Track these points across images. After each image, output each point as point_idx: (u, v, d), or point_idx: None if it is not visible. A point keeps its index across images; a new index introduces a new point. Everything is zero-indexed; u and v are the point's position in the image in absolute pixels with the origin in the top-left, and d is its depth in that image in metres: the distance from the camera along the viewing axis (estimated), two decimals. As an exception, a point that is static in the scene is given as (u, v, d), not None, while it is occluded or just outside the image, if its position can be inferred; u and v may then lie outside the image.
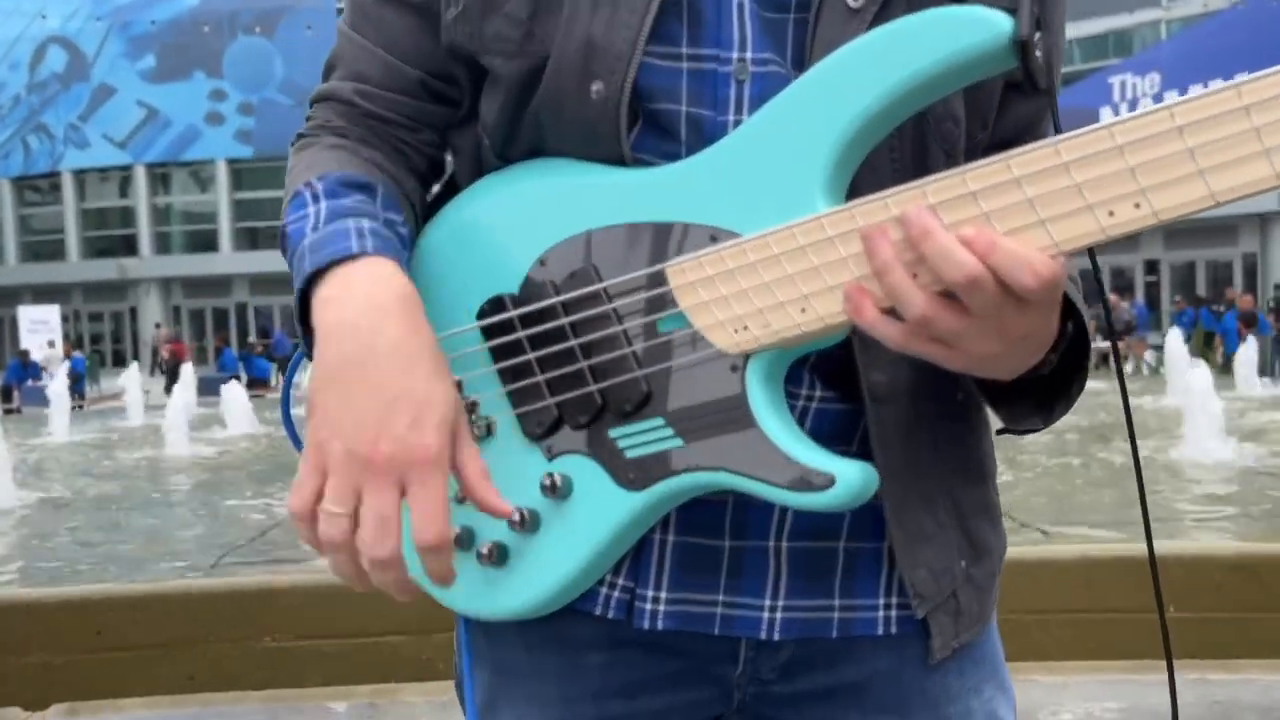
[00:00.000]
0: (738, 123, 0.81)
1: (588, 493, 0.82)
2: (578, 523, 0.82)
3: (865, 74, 0.71)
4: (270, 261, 43.04)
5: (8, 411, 17.17)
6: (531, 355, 0.83)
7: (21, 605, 3.74)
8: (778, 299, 0.73)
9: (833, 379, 0.85)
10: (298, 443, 0.82)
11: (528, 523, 0.83)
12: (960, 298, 0.68)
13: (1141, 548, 0.84)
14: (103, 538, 4.99)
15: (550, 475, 0.82)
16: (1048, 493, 5.26)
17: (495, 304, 0.83)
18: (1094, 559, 3.58)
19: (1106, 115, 0.69)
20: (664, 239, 0.79)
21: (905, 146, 0.82)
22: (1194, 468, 5.87)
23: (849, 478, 0.73)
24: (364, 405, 0.71)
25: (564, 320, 0.81)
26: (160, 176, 42.83)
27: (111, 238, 43.25)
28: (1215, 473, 5.73)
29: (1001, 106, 0.87)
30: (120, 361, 32.58)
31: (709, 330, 0.77)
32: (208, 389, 15.56)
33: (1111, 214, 0.64)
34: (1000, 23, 0.67)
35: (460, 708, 0.99)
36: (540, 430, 0.83)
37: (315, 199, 0.82)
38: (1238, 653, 3.32)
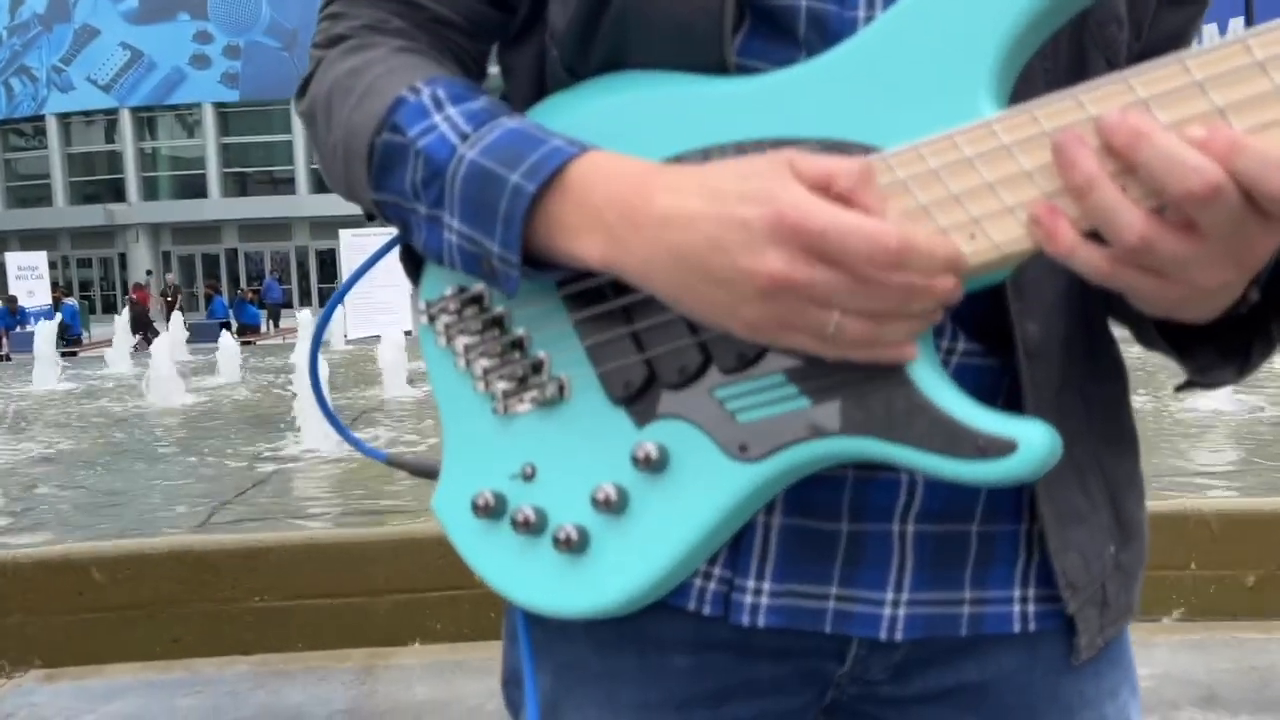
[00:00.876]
0: (869, 20, 0.68)
1: (689, 465, 0.69)
2: (677, 501, 0.70)
3: None
4: (259, 207, 43.13)
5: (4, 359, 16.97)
6: (616, 302, 0.70)
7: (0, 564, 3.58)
8: (938, 223, 0.60)
9: (981, 329, 0.73)
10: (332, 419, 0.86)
11: (614, 502, 0.70)
12: (1190, 214, 0.55)
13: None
14: (84, 493, 4.83)
15: (642, 445, 0.69)
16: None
17: None
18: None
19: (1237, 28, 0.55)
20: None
21: (1060, 53, 0.71)
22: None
23: (1033, 442, 0.61)
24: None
25: None
26: (146, 120, 42.45)
27: (98, 183, 42.93)
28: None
29: (1155, 20, 0.78)
30: (110, 308, 32.48)
31: None
32: (200, 336, 15.43)
33: None
34: None
35: (507, 708, 0.88)
36: (629, 392, 0.70)
37: (438, 105, 0.69)
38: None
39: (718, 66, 0.68)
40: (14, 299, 22.13)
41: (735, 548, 0.75)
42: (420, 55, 0.76)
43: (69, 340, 18.61)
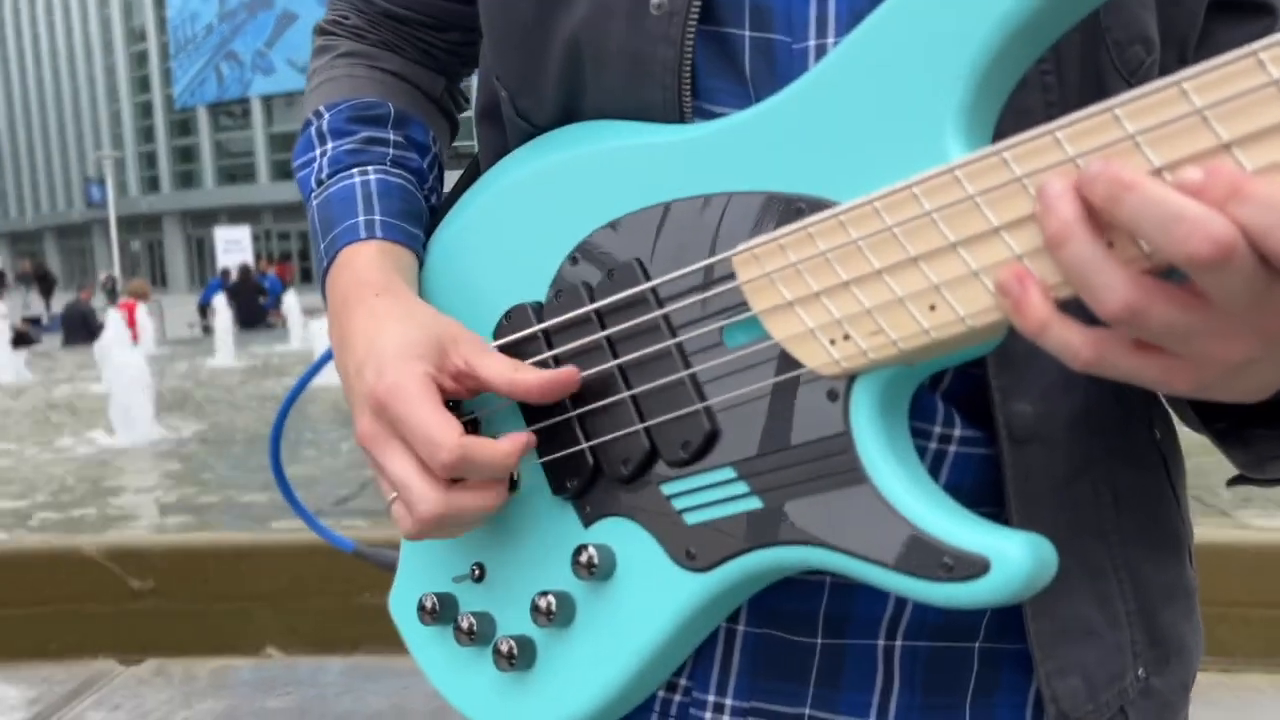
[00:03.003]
0: (821, 50, 0.63)
1: (635, 572, 0.64)
2: (621, 614, 0.65)
3: None
4: (448, 181, 45.01)
5: (205, 329, 18.19)
6: None
7: (137, 552, 3.75)
8: (894, 293, 0.54)
9: (977, 411, 0.65)
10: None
11: (557, 612, 0.65)
12: (1192, 277, 0.46)
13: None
14: (226, 480, 5.05)
15: (586, 549, 0.64)
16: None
17: (515, 316, 0.67)
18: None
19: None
20: (730, 217, 0.60)
21: (1069, 77, 0.62)
22: None
23: (1011, 560, 0.53)
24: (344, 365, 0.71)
25: (600, 334, 0.64)
26: (341, 100, 44.85)
27: (297, 160, 45.63)
28: None
29: (1204, 35, 0.68)
30: (308, 278, 34.53)
31: (794, 342, 0.58)
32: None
33: None
34: None
35: None
36: (573, 486, 0.66)
37: (321, 138, 0.78)
38: None
39: (673, 108, 0.65)
40: (227, 271, 23.33)
41: (696, 654, 0.69)
42: (352, 63, 0.82)
43: (267, 311, 19.72)
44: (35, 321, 22.35)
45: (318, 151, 0.77)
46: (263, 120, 46.53)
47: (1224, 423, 0.65)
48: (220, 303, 12.21)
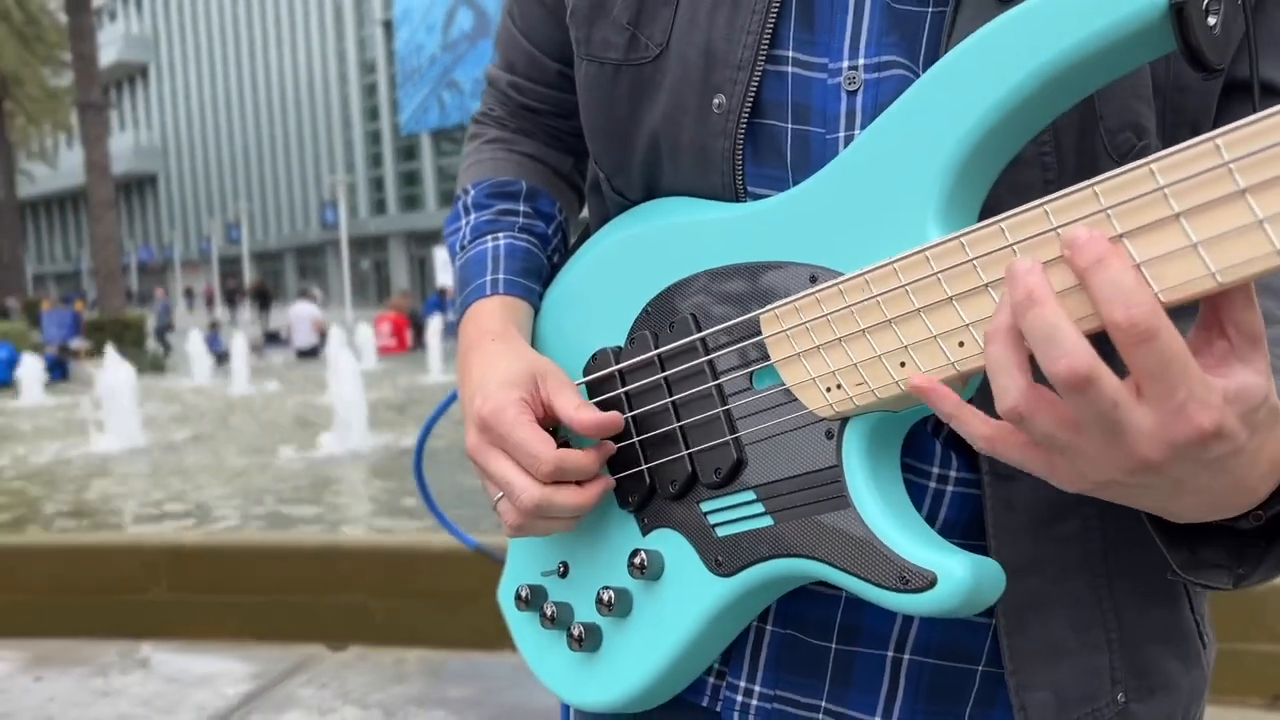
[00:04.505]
0: (850, 140, 0.71)
1: (678, 575, 0.74)
2: (666, 609, 0.75)
3: (982, 73, 0.59)
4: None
5: (418, 345, 19.12)
6: (629, 414, 0.77)
7: (344, 549, 4.18)
8: (874, 350, 0.62)
9: (973, 453, 0.71)
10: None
11: (617, 605, 0.76)
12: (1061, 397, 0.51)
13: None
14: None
15: (640, 553, 0.75)
16: None
17: (600, 358, 0.79)
18: None
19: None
20: (764, 282, 0.70)
21: (1066, 160, 0.67)
22: None
23: (954, 577, 0.60)
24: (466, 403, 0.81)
25: (661, 375, 0.75)
26: (551, 123, 45.90)
27: (511, 183, 47.02)
28: None
29: (1222, 113, 0.71)
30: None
31: (800, 389, 0.67)
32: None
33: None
34: None
35: None
36: (634, 500, 0.77)
37: (466, 211, 0.91)
38: None
39: (730, 189, 0.74)
40: (444, 290, 24.62)
41: (733, 647, 0.78)
42: (498, 146, 0.96)
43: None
44: (274, 336, 23.96)
45: (463, 222, 0.91)
46: (480, 145, 48.37)
47: (1162, 524, 0.64)
48: (435, 321, 12.89)
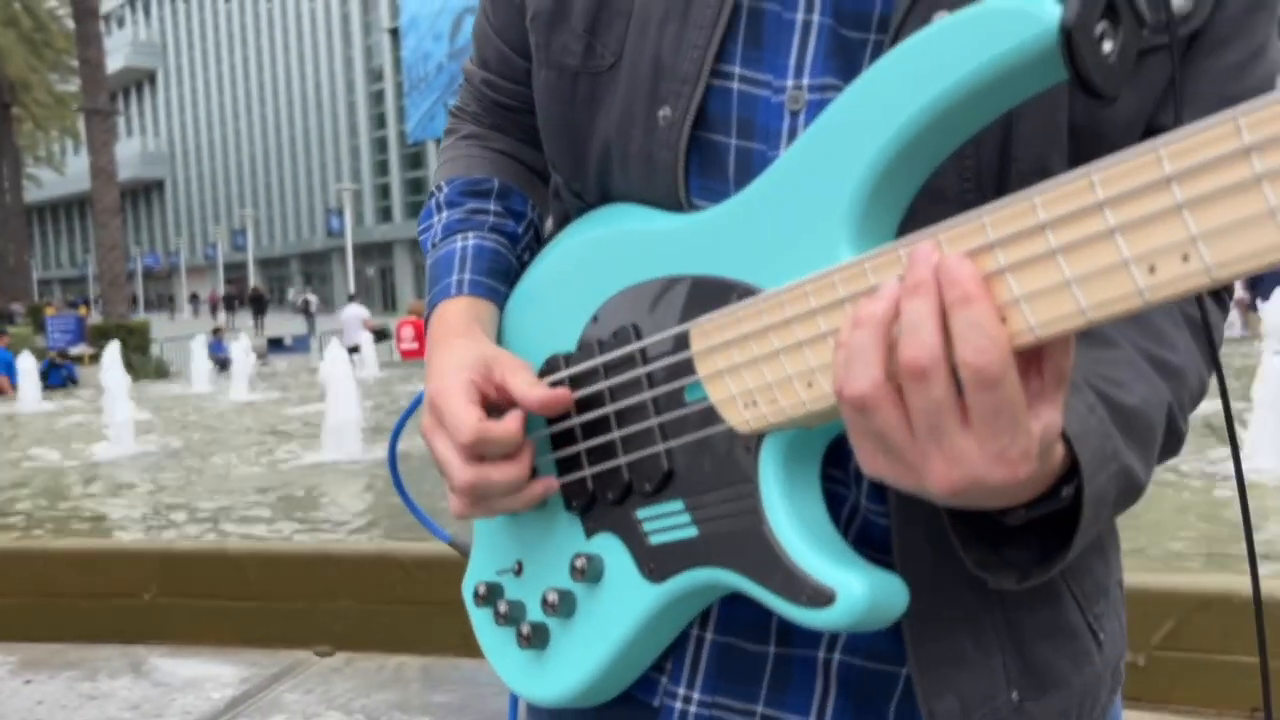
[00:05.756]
0: None
1: (615, 579, 0.76)
2: (604, 611, 0.76)
3: (875, 108, 0.59)
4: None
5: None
6: (575, 421, 0.78)
7: (337, 558, 4.15)
8: (785, 371, 0.63)
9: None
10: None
11: (561, 606, 0.78)
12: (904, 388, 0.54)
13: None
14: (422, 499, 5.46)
15: (581, 556, 0.76)
16: None
17: (550, 364, 0.80)
18: None
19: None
20: (697, 295, 0.71)
21: (986, 181, 0.68)
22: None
23: (852, 594, 0.62)
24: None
25: (604, 384, 0.76)
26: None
27: (516, 191, 47.16)
28: None
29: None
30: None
31: (723, 405, 0.68)
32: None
33: (1153, 270, 0.48)
34: (1040, 13, 0.52)
35: None
36: (579, 504, 0.78)
37: (439, 208, 0.92)
38: None
39: (674, 201, 0.75)
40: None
41: (671, 653, 0.80)
42: (470, 144, 0.96)
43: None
44: (278, 342, 24.05)
45: (435, 219, 0.92)
46: (485, 153, 48.57)
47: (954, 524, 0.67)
48: (406, 333, 12.91)
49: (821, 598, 0.62)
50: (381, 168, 57.38)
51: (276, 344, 23.72)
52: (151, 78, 76.85)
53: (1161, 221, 0.47)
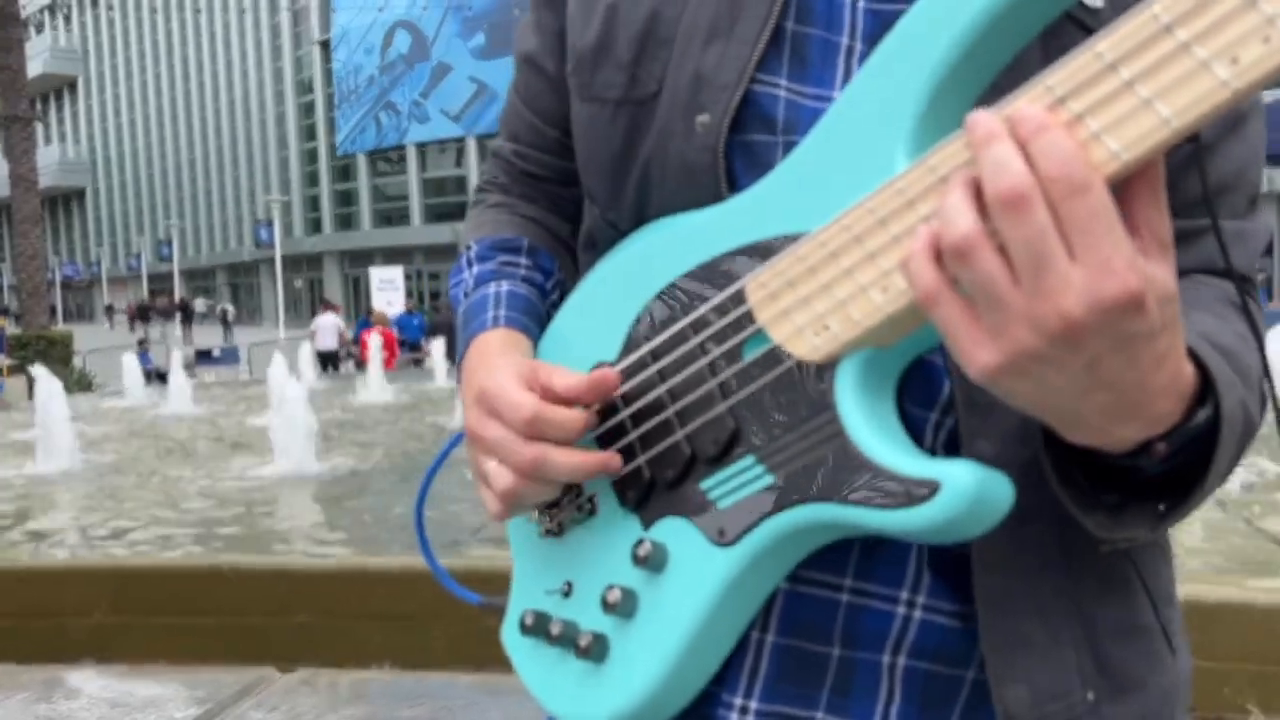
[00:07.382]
0: None
1: (683, 559, 0.73)
2: (673, 596, 0.73)
3: (933, 24, 0.61)
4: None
5: (358, 365, 18.96)
6: (625, 413, 0.77)
7: (295, 573, 4.10)
8: (859, 284, 0.63)
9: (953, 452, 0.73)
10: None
11: (622, 604, 0.75)
12: (998, 226, 0.54)
13: None
14: (381, 510, 5.42)
15: (642, 543, 0.73)
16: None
17: (596, 369, 0.80)
18: None
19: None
20: (748, 261, 0.72)
21: None
22: None
23: (958, 481, 0.59)
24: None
25: (654, 368, 0.76)
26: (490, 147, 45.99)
27: (449, 204, 47.08)
28: None
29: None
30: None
31: (790, 341, 0.68)
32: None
33: (1235, 60, 0.49)
34: None
35: None
36: (635, 496, 0.77)
37: (469, 263, 0.96)
38: None
39: (716, 199, 0.76)
40: (371, 311, 24.55)
41: (729, 662, 0.77)
42: (500, 209, 1.00)
43: (411, 349, 20.53)
44: (206, 354, 23.59)
45: (467, 273, 0.96)
46: (417, 166, 48.10)
47: (1073, 483, 0.67)
48: (374, 341, 12.83)
49: (923, 490, 0.60)
50: (311, 179, 56.52)
51: (204, 355, 23.26)
52: (72, 85, 74.90)
53: (1235, 16, 0.49)
